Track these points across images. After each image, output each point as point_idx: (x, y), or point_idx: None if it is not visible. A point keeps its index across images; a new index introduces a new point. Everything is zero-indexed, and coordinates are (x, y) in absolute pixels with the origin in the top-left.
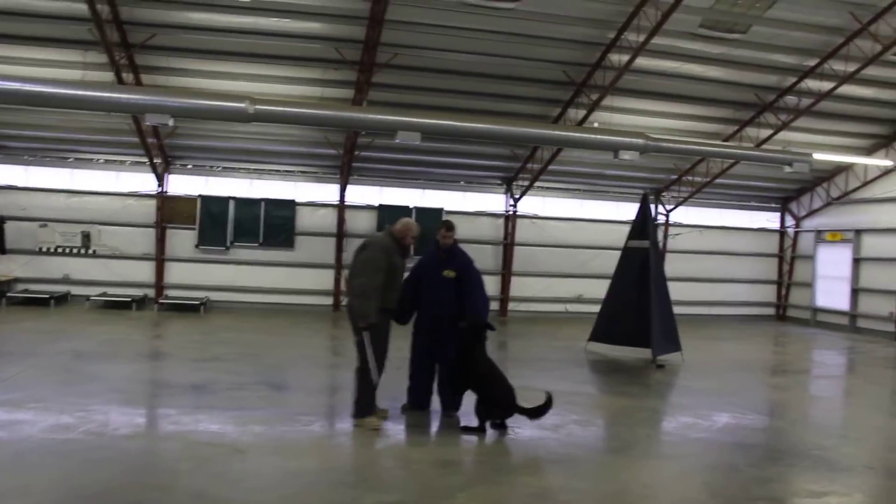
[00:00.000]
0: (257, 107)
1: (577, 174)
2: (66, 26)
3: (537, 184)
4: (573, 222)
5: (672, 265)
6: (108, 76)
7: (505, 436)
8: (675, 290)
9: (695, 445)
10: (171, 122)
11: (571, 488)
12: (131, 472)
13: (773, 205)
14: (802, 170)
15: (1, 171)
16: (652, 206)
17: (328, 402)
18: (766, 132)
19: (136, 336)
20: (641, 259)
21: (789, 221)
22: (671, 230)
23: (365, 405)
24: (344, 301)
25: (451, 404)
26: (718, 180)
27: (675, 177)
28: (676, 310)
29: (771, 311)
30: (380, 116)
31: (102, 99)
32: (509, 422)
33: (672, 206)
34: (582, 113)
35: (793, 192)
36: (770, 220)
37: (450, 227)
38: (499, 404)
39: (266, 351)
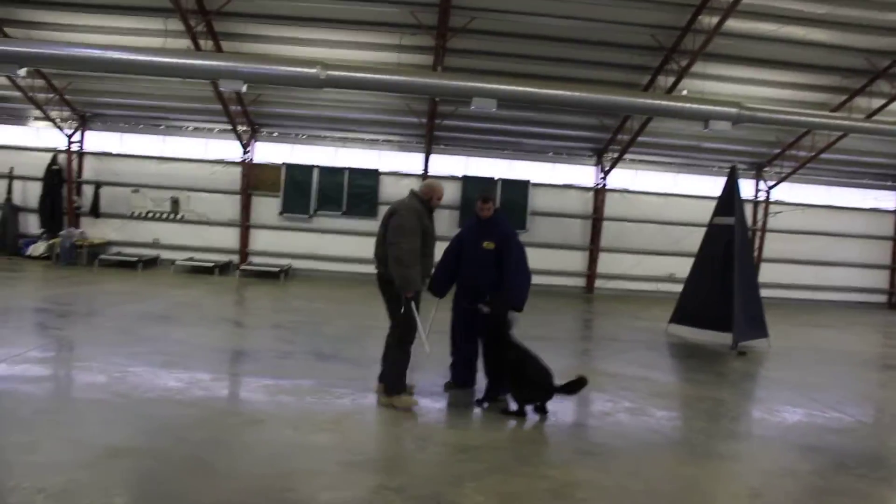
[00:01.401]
0: (329, 72)
1: (672, 146)
2: None
3: (629, 156)
4: (666, 197)
5: (772, 245)
6: (188, 44)
7: (545, 421)
8: (775, 273)
9: (755, 444)
10: (244, 88)
11: (595, 485)
12: (136, 436)
13: (889, 182)
14: None
15: (97, 139)
16: (741, 181)
17: (369, 375)
18: (878, 102)
19: (208, 301)
20: (727, 237)
21: None
22: (772, 208)
23: (398, 382)
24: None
25: (491, 386)
26: (825, 155)
27: (777, 151)
28: (774, 293)
29: (882, 298)
30: (452, 82)
31: (178, 65)
32: (555, 406)
33: (774, 182)
34: (673, 81)
35: None
36: (882, 198)
37: (486, 198)
38: (535, 387)
39: (330, 320)
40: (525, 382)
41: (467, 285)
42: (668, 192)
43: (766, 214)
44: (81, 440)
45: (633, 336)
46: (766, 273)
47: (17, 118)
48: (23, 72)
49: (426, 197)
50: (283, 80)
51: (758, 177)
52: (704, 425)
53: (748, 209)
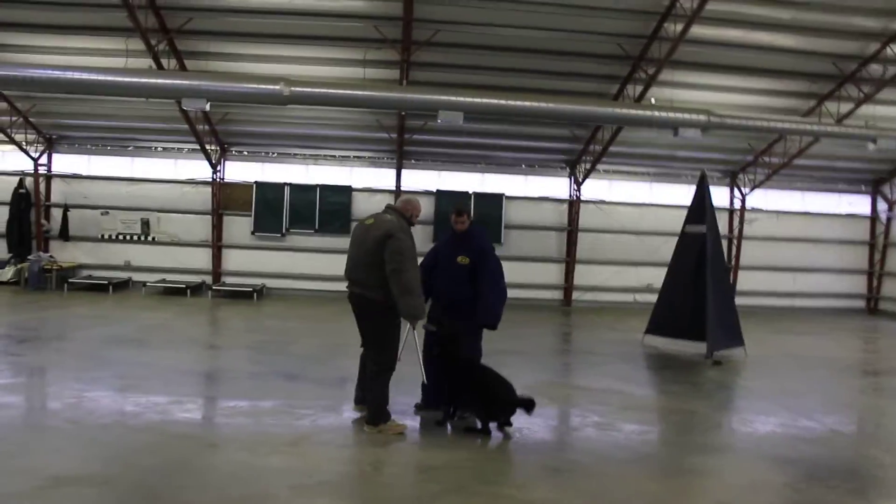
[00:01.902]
0: (293, 88)
1: (645, 156)
2: (109, 13)
3: (603, 167)
4: (642, 207)
5: (748, 253)
6: (151, 63)
7: (510, 438)
8: (752, 280)
9: (726, 457)
10: (207, 107)
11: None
12: (84, 464)
13: (863, 187)
14: (890, 147)
15: (65, 161)
16: (716, 189)
17: (334, 395)
18: (847, 106)
19: (179, 323)
20: (699, 245)
21: (882, 205)
22: (747, 216)
23: (383, 411)
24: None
25: (447, 404)
26: (800, 161)
27: (751, 158)
28: (752, 301)
29: (860, 303)
30: (417, 96)
31: (139, 85)
32: (522, 423)
33: (748, 190)
34: (641, 90)
35: (885, 172)
36: (857, 203)
37: (461, 211)
38: (501, 403)
39: (301, 339)
40: (490, 399)
41: (442, 301)
42: (643, 202)
43: (741, 222)
44: (25, 469)
45: (607, 349)
46: (744, 281)
47: None
48: None
49: (407, 214)
50: (246, 97)
51: (732, 184)
52: (675, 439)
53: (723, 217)
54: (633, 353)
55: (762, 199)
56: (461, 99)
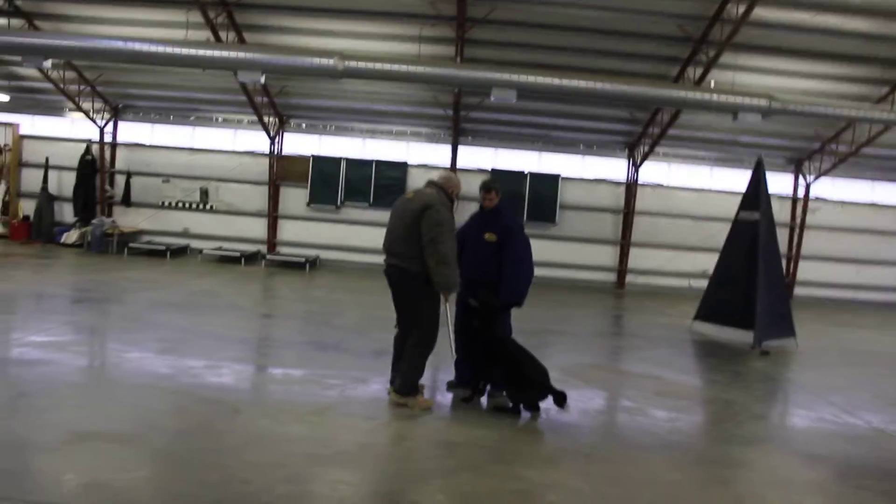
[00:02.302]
0: (347, 63)
1: (706, 140)
2: None
3: (662, 150)
4: (701, 192)
5: (811, 243)
6: (209, 35)
7: (537, 419)
8: (814, 271)
9: (754, 450)
10: (262, 79)
11: (569, 488)
12: (110, 420)
13: None
14: None
15: (129, 129)
16: (779, 176)
17: (366, 366)
18: None
19: (228, 290)
20: (752, 232)
21: None
22: (811, 205)
23: (414, 384)
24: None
25: (476, 378)
26: (867, 150)
27: (817, 145)
28: (813, 292)
29: None
30: (470, 73)
31: (196, 57)
32: (551, 404)
33: (814, 177)
34: (701, 72)
35: None
36: None
37: (489, 187)
38: (532, 386)
39: (346, 310)
40: (523, 381)
41: (468, 278)
42: (702, 188)
43: (805, 211)
44: (55, 424)
45: (654, 333)
46: (805, 271)
47: (54, 110)
48: (48, 63)
49: (448, 189)
50: (301, 70)
51: (797, 172)
52: (706, 428)
53: (786, 206)
54: (680, 338)
55: (828, 187)
56: (514, 77)
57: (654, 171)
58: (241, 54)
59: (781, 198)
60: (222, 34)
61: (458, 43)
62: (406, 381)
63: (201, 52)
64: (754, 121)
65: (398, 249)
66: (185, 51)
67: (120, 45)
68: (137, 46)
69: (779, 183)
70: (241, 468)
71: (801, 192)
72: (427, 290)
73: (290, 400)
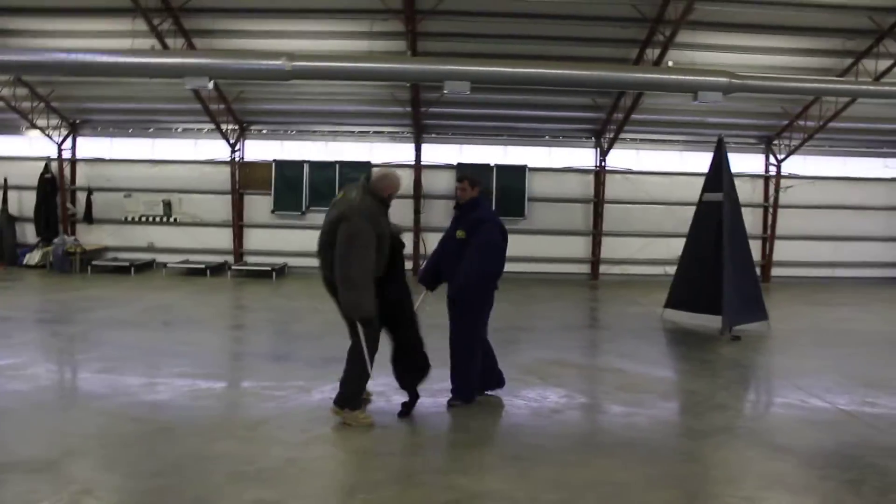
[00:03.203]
0: (295, 63)
1: (675, 123)
2: None
3: (629, 136)
4: (671, 176)
5: (785, 222)
6: (155, 43)
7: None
8: (789, 250)
9: (714, 443)
10: (210, 85)
11: (505, 496)
12: (24, 447)
13: None
14: None
15: (88, 145)
16: (748, 156)
17: (315, 377)
18: (886, 63)
19: (187, 303)
20: (716, 214)
21: None
22: (782, 183)
23: (353, 396)
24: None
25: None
26: (836, 124)
27: (785, 122)
28: (789, 272)
29: None
30: (419, 66)
31: (140, 65)
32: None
33: (783, 156)
34: (659, 53)
35: None
36: None
37: (459, 177)
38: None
39: (305, 317)
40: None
41: (448, 278)
42: (673, 171)
43: (777, 190)
44: None
45: (624, 323)
46: (781, 251)
47: (10, 128)
48: None
49: (385, 193)
50: (248, 73)
51: (767, 151)
52: (665, 421)
53: (759, 185)
54: (650, 328)
55: (800, 165)
56: (466, 68)
57: (622, 158)
58: (185, 60)
59: (753, 177)
60: (172, 41)
61: (408, 37)
62: (342, 393)
63: (145, 59)
64: (715, 99)
65: (323, 258)
66: (128, 59)
67: (63, 56)
68: (80, 57)
69: (750, 163)
70: (156, 492)
71: (772, 171)
72: None
73: (225, 416)
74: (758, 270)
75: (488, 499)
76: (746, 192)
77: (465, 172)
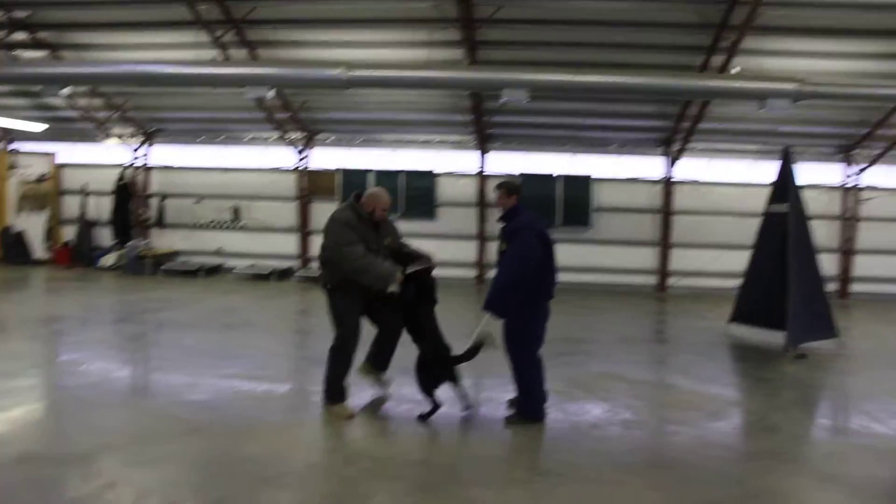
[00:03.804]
0: (353, 72)
1: (746, 132)
2: (177, 8)
3: (700, 145)
4: (743, 187)
5: (866, 236)
6: (217, 53)
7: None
8: (870, 265)
9: (757, 468)
10: (270, 94)
11: None
12: (60, 443)
13: None
14: None
15: (161, 152)
16: (825, 166)
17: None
18: None
19: (249, 307)
20: (781, 226)
21: None
22: (862, 194)
23: (336, 389)
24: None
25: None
26: None
27: (866, 131)
28: (869, 288)
29: None
30: (477, 74)
31: (202, 75)
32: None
33: (864, 166)
34: (724, 59)
35: None
36: None
37: (497, 186)
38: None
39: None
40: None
41: None
42: (744, 182)
43: (856, 202)
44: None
45: (686, 337)
46: (861, 266)
47: (89, 137)
48: (65, 91)
49: (368, 209)
50: (307, 83)
51: (846, 161)
52: (708, 442)
53: (835, 196)
54: (712, 343)
55: (882, 175)
56: (522, 76)
57: (692, 168)
58: (245, 70)
59: (830, 188)
60: (235, 52)
61: (466, 45)
62: (325, 387)
63: (206, 70)
64: (783, 107)
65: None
66: (190, 70)
67: (130, 68)
68: (146, 69)
69: (827, 173)
70: (172, 490)
71: (851, 182)
72: (335, 295)
73: (259, 417)
74: (833, 286)
75: None
76: (823, 203)
77: (502, 183)
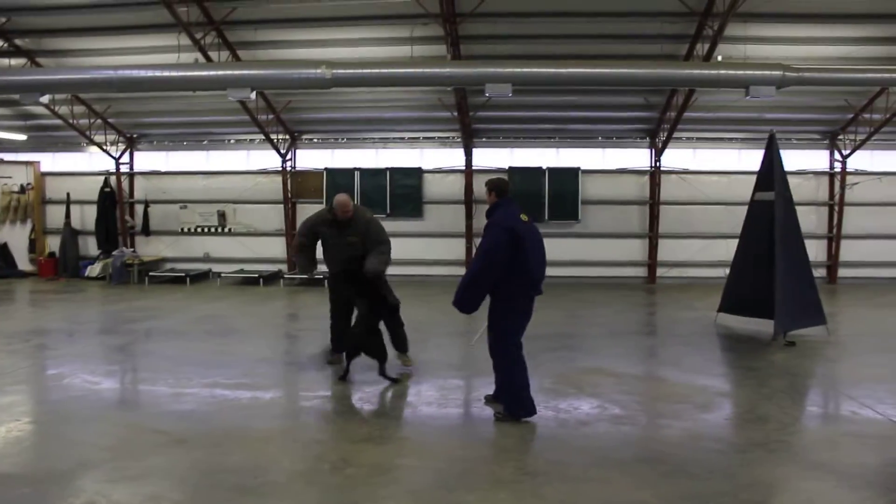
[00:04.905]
0: (335, 71)
1: (731, 120)
2: (156, 11)
3: (685, 135)
4: (730, 176)
5: (852, 221)
6: (199, 56)
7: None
8: (857, 250)
9: (741, 459)
10: (252, 96)
11: None
12: (39, 460)
13: None
14: None
15: (145, 158)
16: (811, 152)
17: (345, 386)
18: None
19: (235, 313)
20: (768, 214)
21: None
22: (847, 179)
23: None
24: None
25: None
26: None
27: (850, 116)
28: (857, 273)
29: None
30: (460, 69)
31: (183, 79)
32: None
33: (849, 152)
34: (708, 48)
35: None
36: None
37: (486, 183)
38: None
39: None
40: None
41: None
42: (731, 170)
43: (842, 187)
44: None
45: (675, 329)
46: (848, 251)
47: (72, 145)
48: (45, 99)
49: (335, 212)
50: (288, 83)
51: (832, 146)
52: (698, 435)
53: (822, 182)
54: (701, 333)
55: (868, 161)
56: (506, 70)
57: (678, 158)
58: (226, 72)
59: (817, 174)
60: (216, 54)
61: (448, 40)
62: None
63: (186, 73)
64: (768, 94)
65: None
66: (170, 74)
67: (110, 73)
68: (125, 73)
69: (813, 159)
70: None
71: (837, 168)
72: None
73: (245, 426)
74: (822, 272)
75: None
76: (810, 189)
77: (489, 180)
